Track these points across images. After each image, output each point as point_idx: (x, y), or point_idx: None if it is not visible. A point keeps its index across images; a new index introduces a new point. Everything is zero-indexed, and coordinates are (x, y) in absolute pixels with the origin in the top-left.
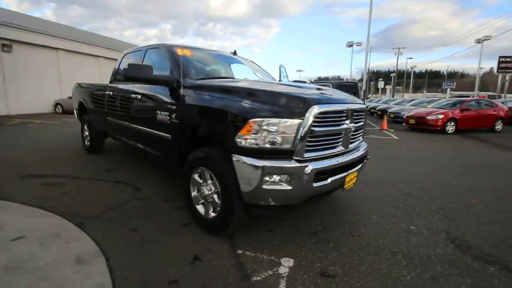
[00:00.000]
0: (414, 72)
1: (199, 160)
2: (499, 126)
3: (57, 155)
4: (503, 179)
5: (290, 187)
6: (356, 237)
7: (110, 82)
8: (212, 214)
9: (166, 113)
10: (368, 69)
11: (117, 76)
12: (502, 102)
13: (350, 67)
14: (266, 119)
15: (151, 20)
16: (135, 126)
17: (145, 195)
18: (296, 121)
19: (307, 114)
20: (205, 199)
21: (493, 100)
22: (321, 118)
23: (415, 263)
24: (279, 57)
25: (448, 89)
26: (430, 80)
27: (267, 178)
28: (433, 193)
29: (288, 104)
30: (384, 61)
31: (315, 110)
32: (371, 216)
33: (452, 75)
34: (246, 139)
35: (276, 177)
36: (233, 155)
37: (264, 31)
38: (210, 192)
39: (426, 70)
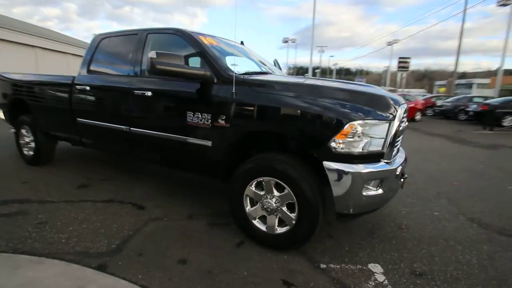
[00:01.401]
0: (329, 68)
1: (263, 169)
2: (418, 116)
3: None
4: (457, 161)
5: (383, 191)
6: (406, 230)
7: (81, 73)
8: (280, 229)
9: (205, 115)
10: (295, 65)
11: (92, 65)
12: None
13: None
14: (364, 121)
15: None
16: (144, 131)
17: (157, 214)
18: (387, 122)
19: (396, 114)
20: (271, 213)
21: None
22: (402, 118)
23: (467, 246)
24: None
25: None
26: (343, 76)
27: (366, 185)
28: (422, 179)
29: (380, 104)
30: (306, 57)
31: (400, 109)
32: (397, 207)
33: (359, 72)
34: (339, 143)
35: (374, 182)
36: (324, 162)
37: (189, 20)
38: (277, 204)
39: (340, 67)
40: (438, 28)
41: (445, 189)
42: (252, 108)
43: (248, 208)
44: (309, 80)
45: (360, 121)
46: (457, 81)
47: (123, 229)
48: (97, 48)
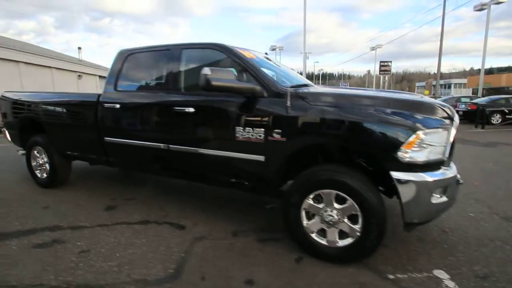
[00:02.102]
0: (314, 73)
1: (323, 182)
2: None
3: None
4: (467, 161)
5: (447, 198)
6: (451, 233)
7: (107, 90)
8: (342, 242)
9: (258, 129)
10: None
11: (120, 83)
12: None
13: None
14: (428, 131)
15: (23, 10)
16: (185, 148)
17: (200, 233)
18: (446, 130)
19: (453, 122)
20: (332, 226)
21: None
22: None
23: None
24: None
25: None
26: (326, 81)
27: (433, 193)
28: None
29: (439, 113)
30: (289, 64)
31: (455, 117)
32: None
33: (342, 77)
34: (406, 153)
35: (440, 190)
36: (392, 172)
37: (172, 30)
38: (339, 217)
39: (324, 72)
40: (413, 32)
41: (469, 190)
42: (311, 121)
43: (305, 222)
44: (363, 91)
45: (425, 130)
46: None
47: (172, 251)
48: (124, 65)
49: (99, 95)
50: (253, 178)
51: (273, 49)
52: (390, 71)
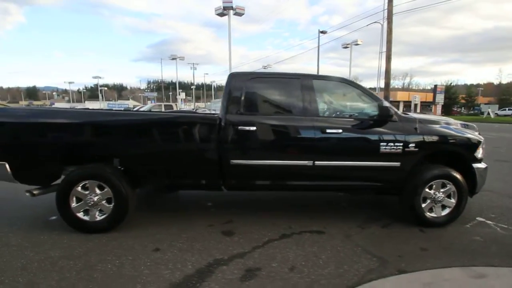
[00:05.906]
0: (206, 84)
1: (441, 175)
2: None
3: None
4: None
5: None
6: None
7: (231, 112)
8: (443, 212)
9: (399, 144)
10: (162, 80)
11: (245, 106)
12: None
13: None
14: (483, 140)
15: None
16: (332, 163)
17: (340, 233)
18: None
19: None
20: (438, 203)
21: None
22: None
23: None
24: (30, 54)
25: None
26: (206, 91)
27: (485, 175)
28: None
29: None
30: (167, 73)
31: None
32: None
33: (220, 88)
34: (477, 153)
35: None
36: (473, 164)
37: None
38: (443, 196)
39: (204, 83)
40: (276, 55)
41: None
42: (432, 137)
43: (423, 204)
44: (444, 118)
45: (482, 140)
46: None
47: (349, 248)
48: (245, 89)
49: (218, 118)
50: (386, 181)
51: (173, 59)
52: None
